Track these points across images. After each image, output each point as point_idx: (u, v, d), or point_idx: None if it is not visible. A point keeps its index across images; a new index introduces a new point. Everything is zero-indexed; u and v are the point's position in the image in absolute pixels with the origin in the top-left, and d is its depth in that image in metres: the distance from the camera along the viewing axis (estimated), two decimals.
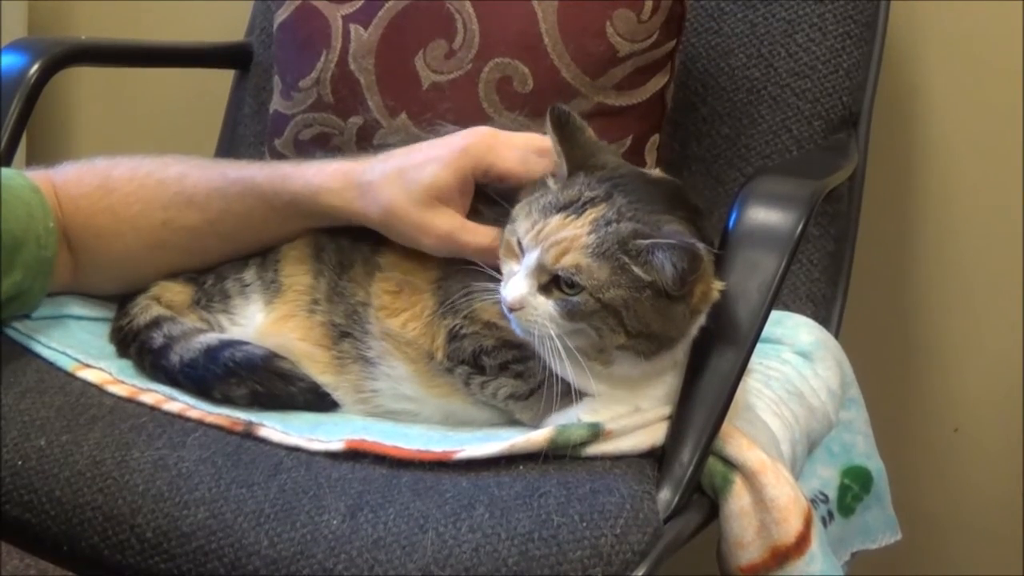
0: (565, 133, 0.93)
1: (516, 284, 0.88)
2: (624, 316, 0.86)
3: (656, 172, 0.99)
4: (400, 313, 0.99)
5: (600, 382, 0.90)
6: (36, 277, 1.01)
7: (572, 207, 0.88)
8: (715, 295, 0.89)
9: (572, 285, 0.87)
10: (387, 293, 1.00)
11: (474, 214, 0.99)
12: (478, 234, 0.97)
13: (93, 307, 1.10)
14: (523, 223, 0.90)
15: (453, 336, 0.96)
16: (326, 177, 1.01)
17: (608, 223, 0.87)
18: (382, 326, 0.99)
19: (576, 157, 0.92)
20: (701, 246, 0.85)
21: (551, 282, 0.88)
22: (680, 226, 0.88)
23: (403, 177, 0.98)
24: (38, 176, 1.05)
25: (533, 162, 0.96)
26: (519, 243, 0.90)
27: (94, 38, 1.67)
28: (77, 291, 1.09)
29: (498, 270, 0.93)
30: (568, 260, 0.86)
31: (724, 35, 1.39)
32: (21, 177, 1.03)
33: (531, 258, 0.88)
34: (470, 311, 0.95)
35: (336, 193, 1.00)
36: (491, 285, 0.93)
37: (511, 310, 0.89)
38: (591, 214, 0.87)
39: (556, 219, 0.88)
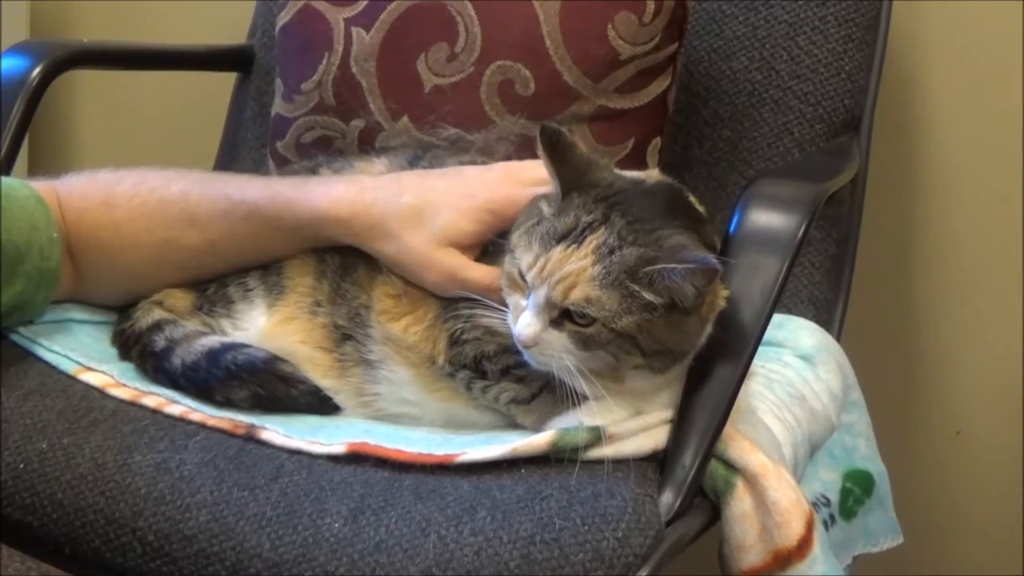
0: (557, 152, 0.91)
1: (528, 322, 0.87)
2: (639, 339, 0.86)
3: (653, 175, 0.98)
4: (402, 317, 0.99)
5: (611, 395, 0.89)
6: (38, 288, 1.01)
7: (571, 235, 0.87)
8: (721, 303, 0.89)
9: (584, 316, 0.86)
10: (389, 297, 1.00)
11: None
12: (481, 272, 0.96)
13: (95, 311, 1.09)
14: (524, 256, 0.89)
15: (454, 341, 0.96)
16: (331, 204, 1.00)
17: (611, 251, 0.86)
18: (383, 330, 0.99)
19: (569, 177, 0.90)
20: (714, 260, 0.84)
21: (562, 315, 0.87)
22: (682, 237, 0.87)
23: (419, 218, 0.97)
24: (42, 187, 1.05)
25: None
26: (522, 276, 0.89)
27: (96, 41, 1.67)
28: (78, 300, 1.09)
29: (501, 303, 0.93)
30: (577, 295, 0.86)
31: (726, 38, 1.39)
32: (25, 187, 1.03)
33: (539, 295, 0.87)
34: (472, 316, 0.94)
35: (343, 223, 1.00)
36: (494, 305, 0.92)
37: (525, 347, 0.88)
38: (592, 241, 0.87)
39: (558, 251, 0.87)
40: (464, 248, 0.98)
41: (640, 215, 0.88)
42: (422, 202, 0.98)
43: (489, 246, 0.98)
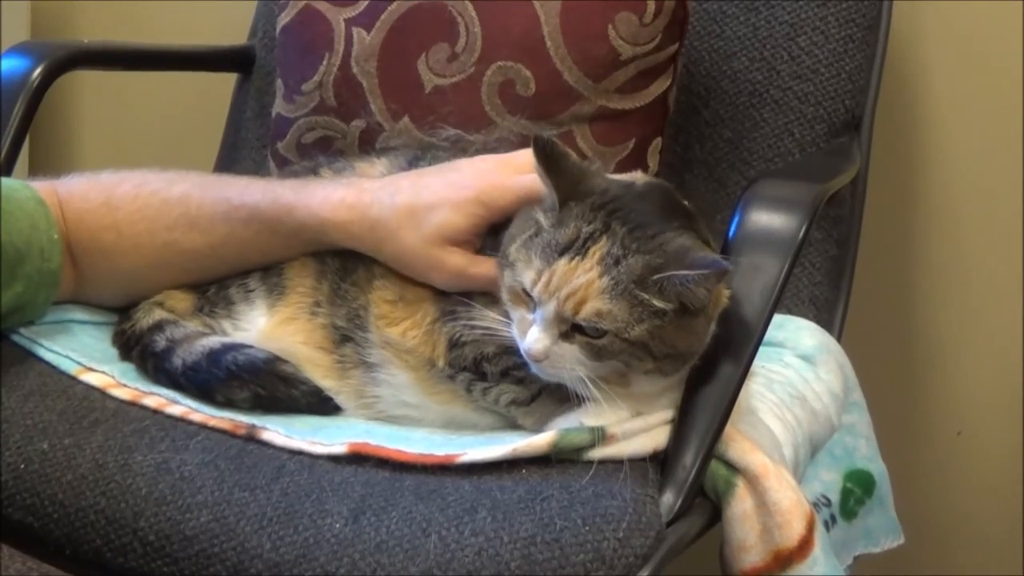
0: (551, 162, 0.90)
1: (537, 337, 0.87)
2: (651, 345, 0.86)
3: (639, 177, 0.98)
4: (400, 322, 0.99)
5: (617, 398, 0.89)
6: (39, 289, 1.01)
7: (574, 247, 0.87)
8: (724, 301, 0.89)
9: (596, 329, 0.85)
10: (385, 302, 1.00)
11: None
12: (487, 267, 0.96)
13: (96, 311, 1.09)
14: (526, 271, 0.88)
15: (454, 343, 0.96)
16: (332, 208, 1.00)
17: (616, 261, 0.85)
18: (382, 335, 0.99)
19: (564, 187, 0.90)
20: (724, 261, 0.84)
21: (572, 328, 0.86)
22: (684, 239, 0.87)
23: (414, 217, 0.97)
24: (43, 187, 1.05)
25: (540, 186, 0.95)
26: (525, 291, 0.88)
27: (97, 41, 1.67)
28: (79, 301, 1.09)
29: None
30: (588, 310, 0.85)
31: (726, 38, 1.39)
32: (26, 188, 1.03)
33: (547, 310, 0.86)
34: (471, 318, 0.94)
35: (343, 227, 1.00)
36: (497, 317, 0.92)
37: (536, 361, 0.88)
38: (596, 252, 0.86)
39: (562, 264, 0.86)
40: (461, 243, 0.97)
41: (639, 220, 0.88)
42: (416, 201, 0.98)
43: (487, 249, 0.98)
